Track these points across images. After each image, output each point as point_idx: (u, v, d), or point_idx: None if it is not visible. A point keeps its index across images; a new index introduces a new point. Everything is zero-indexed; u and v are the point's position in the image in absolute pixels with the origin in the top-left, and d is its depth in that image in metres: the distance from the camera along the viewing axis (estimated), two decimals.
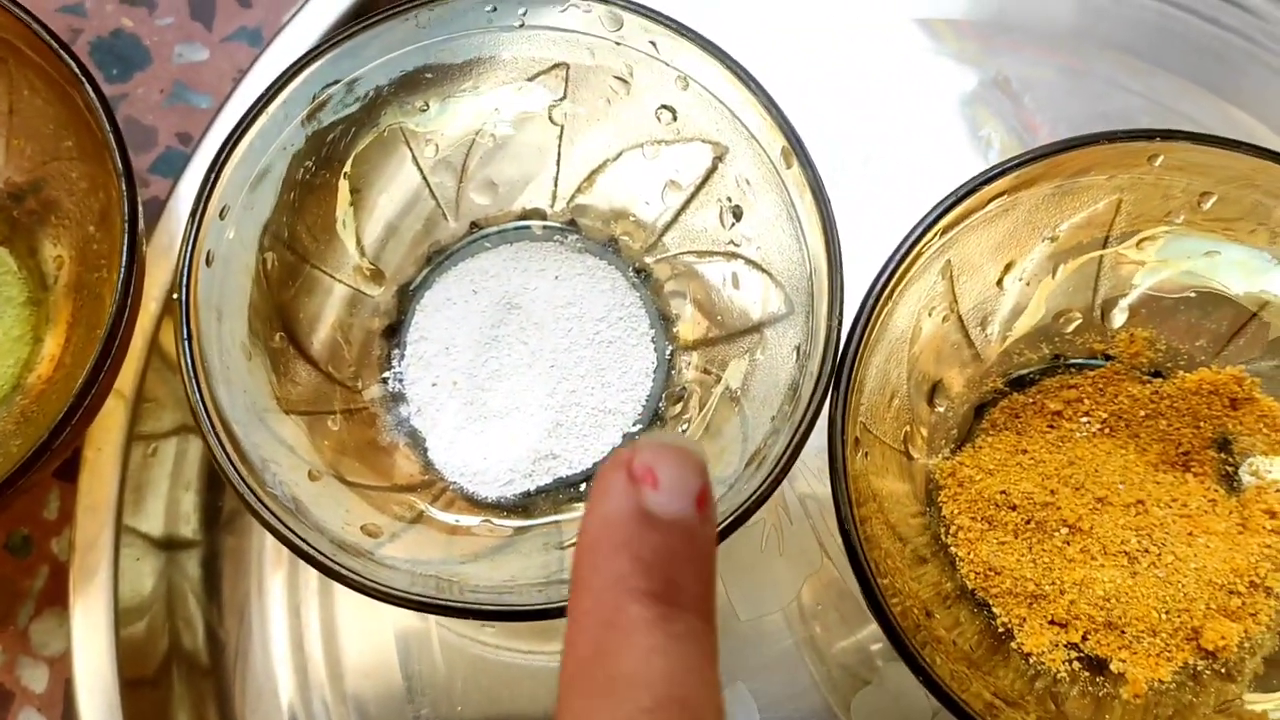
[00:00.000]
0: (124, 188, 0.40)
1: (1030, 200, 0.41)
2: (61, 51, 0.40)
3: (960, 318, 0.43)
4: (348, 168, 0.42)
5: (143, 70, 0.51)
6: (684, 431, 0.43)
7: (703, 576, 0.27)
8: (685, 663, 0.26)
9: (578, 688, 0.26)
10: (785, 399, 0.39)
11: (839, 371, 0.37)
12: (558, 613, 0.35)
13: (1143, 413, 0.43)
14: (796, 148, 0.38)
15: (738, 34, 0.51)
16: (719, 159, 0.42)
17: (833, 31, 0.52)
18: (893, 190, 0.48)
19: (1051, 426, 0.43)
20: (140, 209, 0.40)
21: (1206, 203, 0.41)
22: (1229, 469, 0.42)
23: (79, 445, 0.44)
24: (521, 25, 0.41)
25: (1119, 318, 0.44)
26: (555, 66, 0.42)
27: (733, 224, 0.42)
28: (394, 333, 0.45)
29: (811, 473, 0.46)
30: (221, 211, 0.39)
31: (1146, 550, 0.40)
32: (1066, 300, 0.44)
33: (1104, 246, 0.43)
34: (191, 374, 0.37)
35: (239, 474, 0.37)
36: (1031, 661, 0.40)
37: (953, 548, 0.42)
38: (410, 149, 0.43)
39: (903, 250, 0.39)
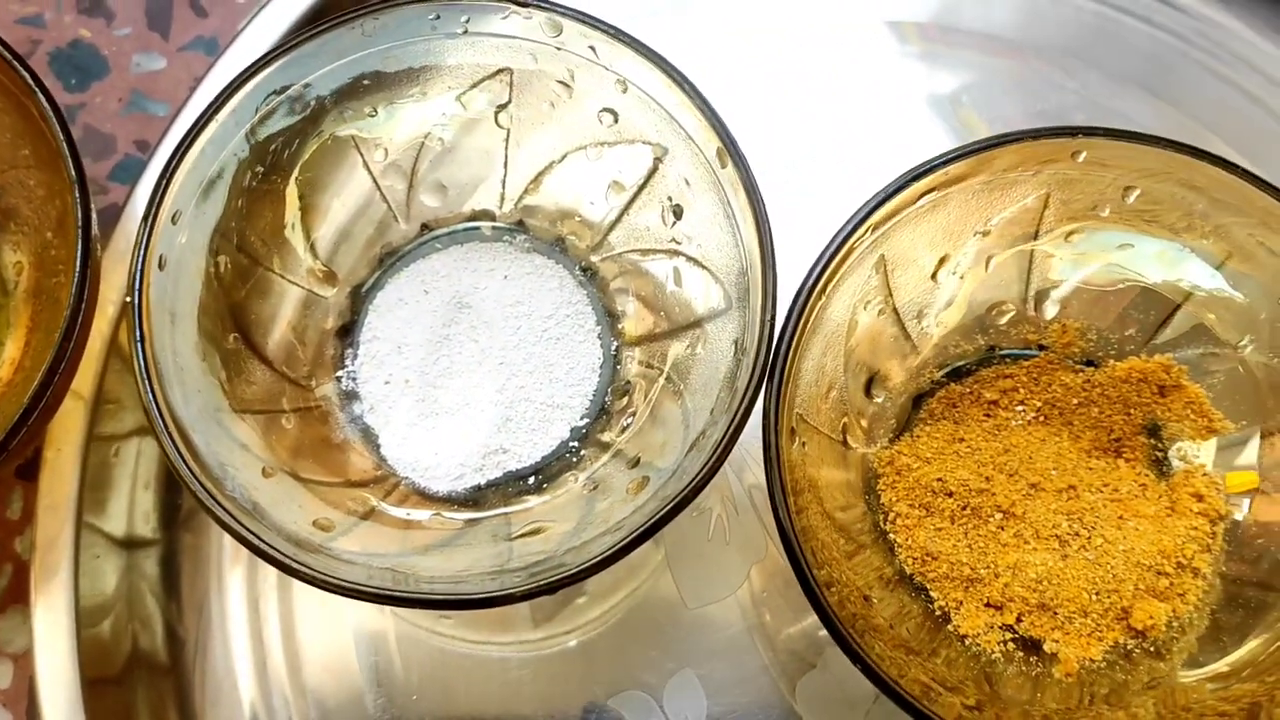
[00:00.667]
0: (77, 194, 0.40)
1: (960, 196, 0.42)
2: (14, 62, 0.41)
3: (896, 311, 0.44)
4: (296, 173, 0.43)
5: (101, 80, 0.52)
6: (628, 425, 0.44)
7: None
8: None
9: None
10: (724, 389, 0.40)
11: (772, 364, 0.38)
12: (509, 599, 0.36)
13: (1075, 401, 0.44)
14: (730, 148, 0.40)
15: (690, 36, 0.53)
16: (659, 160, 0.43)
17: (781, 33, 0.53)
18: (834, 188, 0.49)
19: (988, 415, 0.44)
20: (94, 214, 0.41)
21: (1130, 196, 0.42)
22: (1159, 454, 0.44)
23: (39, 445, 0.45)
24: (465, 32, 0.42)
25: (1051, 309, 0.45)
26: (499, 72, 0.43)
27: (674, 223, 0.44)
28: (347, 333, 0.46)
29: (757, 463, 0.47)
30: (174, 217, 0.40)
31: (1077, 534, 0.41)
32: (1000, 292, 0.45)
33: (1034, 239, 0.44)
34: (145, 376, 0.38)
35: (193, 474, 0.37)
36: (968, 643, 0.41)
37: (891, 534, 0.43)
38: (360, 153, 0.44)
39: (834, 246, 0.40)
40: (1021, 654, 0.41)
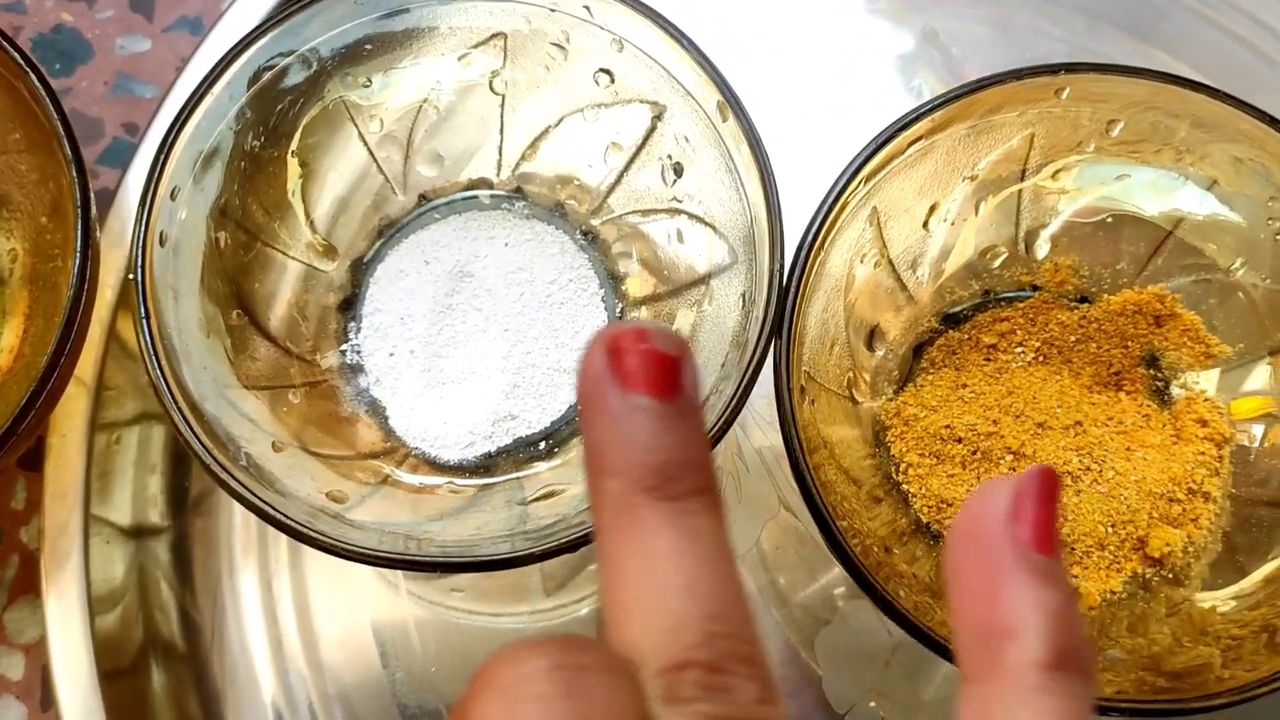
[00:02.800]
0: (75, 175, 0.40)
1: (947, 142, 0.42)
2: (4, 44, 0.41)
3: (891, 262, 0.44)
4: (294, 144, 0.43)
5: (85, 64, 0.51)
6: None
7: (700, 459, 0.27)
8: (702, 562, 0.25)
9: (605, 597, 0.26)
10: (732, 346, 0.40)
11: (779, 322, 0.38)
12: (523, 561, 0.36)
13: (1073, 338, 0.44)
14: (731, 101, 0.40)
15: None
16: (658, 118, 0.43)
17: None
18: (830, 142, 0.49)
19: (988, 359, 0.45)
20: (92, 195, 0.40)
21: (1114, 129, 0.42)
22: (1159, 384, 0.44)
23: (42, 433, 0.45)
24: None
25: (1042, 249, 0.45)
26: (493, 36, 0.43)
27: (674, 181, 0.44)
28: (349, 306, 0.45)
29: (766, 423, 0.47)
30: (172, 192, 0.39)
31: (1088, 468, 0.42)
32: (991, 236, 0.45)
33: (1021, 180, 0.44)
34: (151, 353, 0.38)
35: (204, 446, 0.37)
36: None
37: (904, 485, 0.43)
38: (355, 124, 0.44)
39: (830, 199, 0.40)
40: None
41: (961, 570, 0.27)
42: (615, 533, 0.26)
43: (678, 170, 0.43)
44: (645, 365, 0.26)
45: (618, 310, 0.45)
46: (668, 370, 0.26)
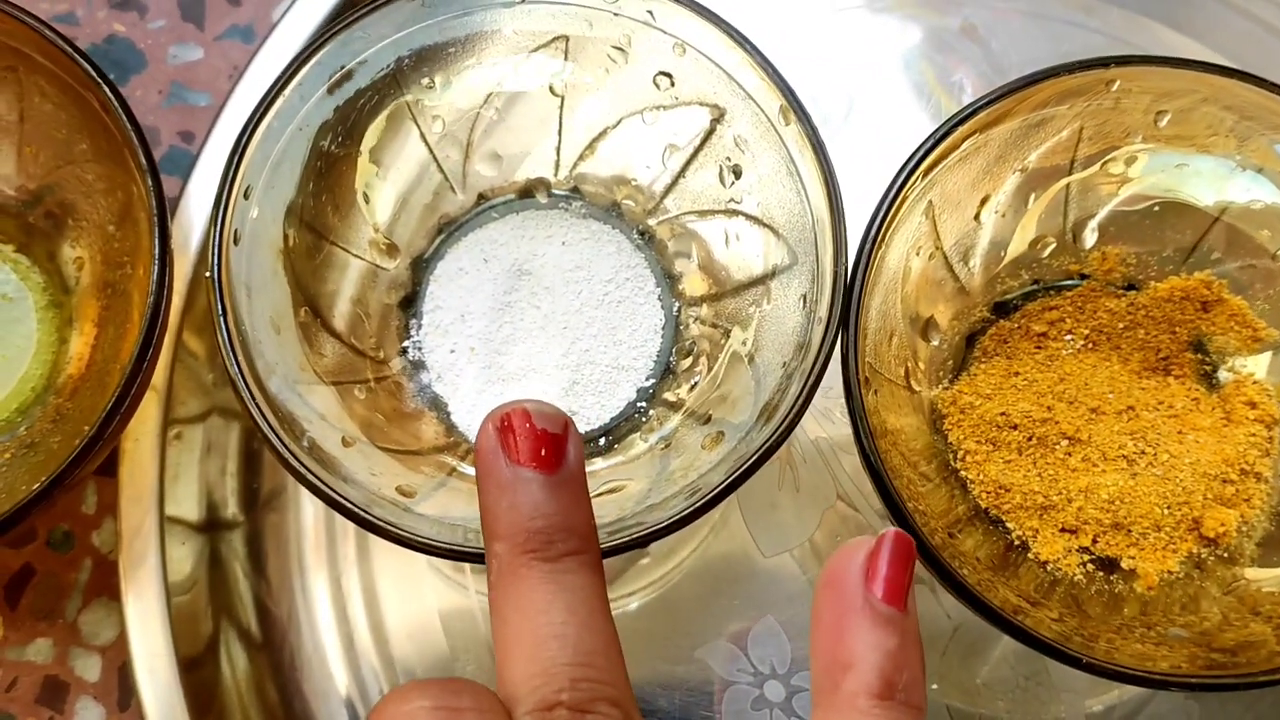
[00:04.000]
0: (150, 183, 0.41)
1: (1001, 136, 0.43)
2: (76, 55, 0.41)
3: (944, 254, 0.45)
4: (366, 144, 0.44)
5: (139, 74, 0.52)
6: (695, 384, 0.45)
7: (578, 518, 0.32)
8: (572, 614, 0.31)
9: (500, 658, 0.31)
10: (794, 347, 0.41)
11: (846, 315, 0.39)
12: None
13: (1121, 325, 0.45)
14: (795, 105, 0.40)
15: None
16: (717, 121, 0.44)
17: None
18: (876, 138, 0.50)
19: (1039, 347, 0.46)
20: (166, 203, 0.41)
21: (1162, 120, 0.43)
22: (1207, 368, 0.45)
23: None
24: (522, 0, 0.43)
25: (1090, 238, 0.46)
26: (555, 39, 0.44)
27: (732, 182, 0.44)
28: (410, 303, 0.46)
29: (821, 414, 0.48)
30: (245, 192, 0.40)
31: (1143, 452, 0.43)
32: (1040, 227, 0.46)
33: (1069, 173, 0.45)
34: (229, 349, 0.38)
35: (279, 438, 0.38)
36: (1049, 569, 0.42)
37: (962, 471, 0.44)
38: (417, 124, 0.45)
39: (891, 194, 0.41)
40: (1101, 574, 0.42)
41: (819, 612, 0.31)
42: (501, 589, 0.31)
43: (736, 172, 0.44)
44: (530, 442, 0.31)
45: (674, 309, 0.46)
46: (550, 446, 0.31)
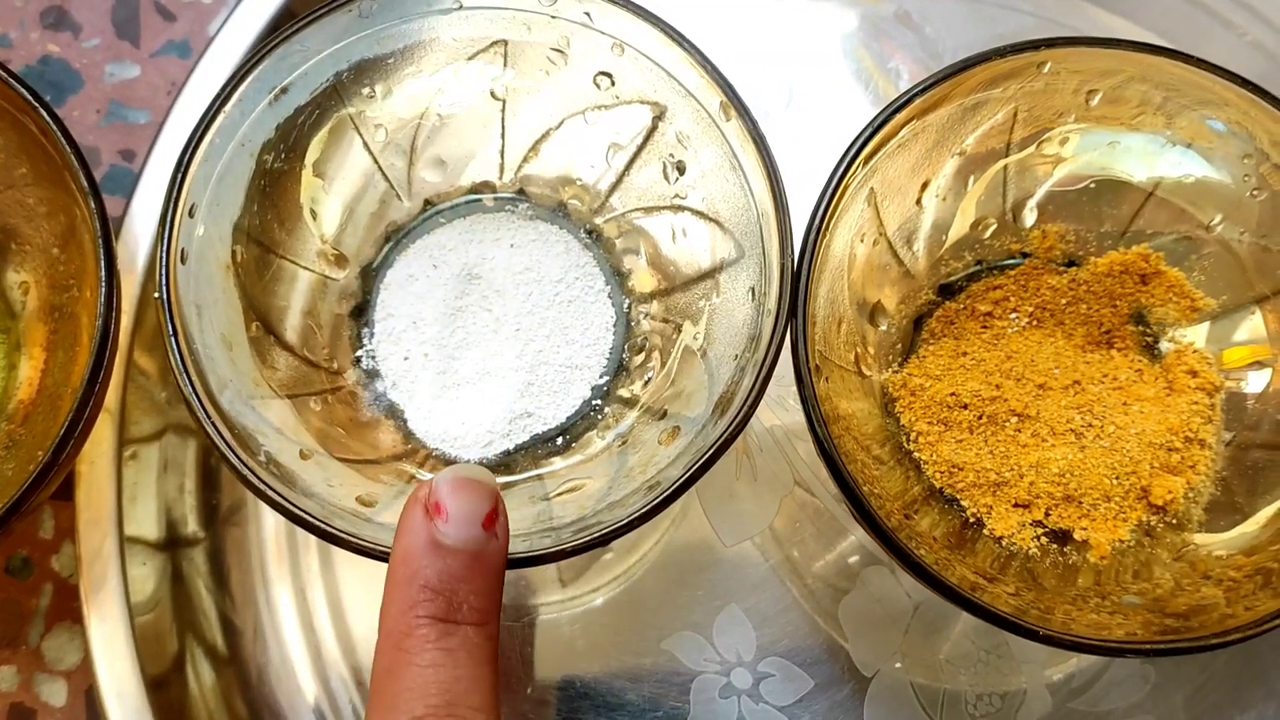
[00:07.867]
0: (93, 205, 0.40)
1: (938, 121, 0.44)
2: (10, 79, 0.41)
3: (888, 240, 0.46)
4: (308, 157, 0.44)
5: (76, 93, 0.52)
6: (649, 380, 0.45)
7: (483, 590, 0.34)
8: (456, 671, 0.32)
9: (373, 703, 0.32)
10: (745, 339, 0.42)
11: (794, 305, 0.40)
12: (553, 557, 0.38)
13: (1064, 301, 0.46)
14: (735, 101, 0.41)
15: None
16: (658, 118, 0.44)
17: None
18: (817, 127, 0.51)
19: (985, 327, 0.46)
20: (110, 224, 0.41)
21: (1093, 100, 0.44)
22: (1148, 340, 0.46)
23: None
24: (460, 7, 0.43)
25: (1030, 217, 0.47)
26: (494, 44, 0.44)
27: (677, 179, 0.45)
28: (361, 313, 0.46)
29: (775, 402, 0.49)
30: (190, 210, 0.40)
31: (1090, 425, 0.44)
32: (981, 209, 0.47)
33: (1006, 155, 0.46)
34: (181, 366, 0.38)
35: (234, 452, 0.38)
36: (1004, 544, 0.43)
37: (916, 453, 0.45)
38: (360, 134, 0.45)
39: (833, 184, 0.41)
40: (1055, 546, 0.43)
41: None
42: (393, 643, 0.33)
43: (680, 168, 0.44)
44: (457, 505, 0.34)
45: (625, 306, 0.47)
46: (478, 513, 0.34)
